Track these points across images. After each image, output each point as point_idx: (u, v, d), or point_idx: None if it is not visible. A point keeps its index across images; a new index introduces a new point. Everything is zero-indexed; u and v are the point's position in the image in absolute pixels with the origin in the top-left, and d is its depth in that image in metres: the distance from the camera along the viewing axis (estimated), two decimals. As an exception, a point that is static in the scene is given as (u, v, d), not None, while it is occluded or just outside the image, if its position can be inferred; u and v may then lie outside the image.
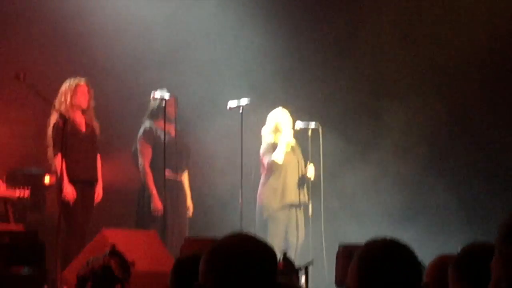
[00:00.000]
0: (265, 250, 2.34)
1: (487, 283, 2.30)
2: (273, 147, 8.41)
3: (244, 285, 2.29)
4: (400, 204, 9.44)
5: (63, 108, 7.87)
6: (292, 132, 8.49)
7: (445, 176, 9.43)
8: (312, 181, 8.46)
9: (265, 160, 8.41)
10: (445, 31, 9.63)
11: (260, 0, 9.80)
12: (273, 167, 8.35)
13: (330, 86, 9.79)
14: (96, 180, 8.09)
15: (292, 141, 8.49)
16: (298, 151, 8.55)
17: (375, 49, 9.86)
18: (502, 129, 9.38)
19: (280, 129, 8.45)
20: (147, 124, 8.43)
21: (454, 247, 3.51)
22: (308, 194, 8.44)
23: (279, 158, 8.34)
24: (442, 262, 3.08)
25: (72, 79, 8.05)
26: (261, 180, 8.47)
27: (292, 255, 7.43)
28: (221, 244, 2.35)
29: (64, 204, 7.71)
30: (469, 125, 9.60)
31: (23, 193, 7.97)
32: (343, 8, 10.00)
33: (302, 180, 8.44)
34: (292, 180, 8.40)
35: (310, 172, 8.42)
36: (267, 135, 8.49)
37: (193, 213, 8.56)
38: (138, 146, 8.39)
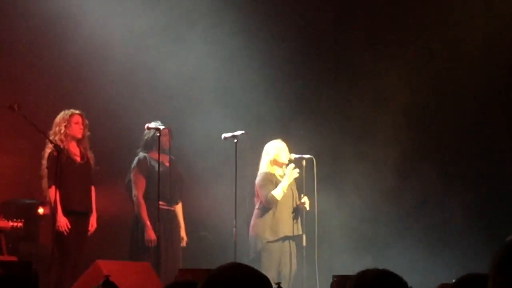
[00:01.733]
0: (260, 281, 2.34)
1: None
2: (270, 178, 8.33)
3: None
4: (396, 233, 9.42)
5: (57, 138, 7.89)
6: (291, 165, 8.39)
7: (444, 204, 9.40)
8: (306, 211, 8.41)
9: (262, 192, 8.29)
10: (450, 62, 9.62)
11: (254, 36, 9.85)
12: (271, 203, 8.27)
13: (324, 120, 9.84)
14: (90, 211, 8.07)
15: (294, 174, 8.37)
16: (293, 182, 8.48)
17: (375, 92, 9.91)
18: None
19: (279, 161, 8.38)
20: (141, 154, 8.44)
21: (452, 276, 3.52)
22: (302, 225, 8.39)
23: (279, 195, 8.27)
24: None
25: (67, 110, 8.08)
26: (255, 211, 8.38)
27: (285, 286, 7.37)
28: (216, 275, 2.35)
29: (57, 235, 7.70)
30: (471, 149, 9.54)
31: (17, 223, 7.94)
32: (338, 47, 10.07)
33: (297, 211, 8.38)
34: (287, 212, 8.30)
35: (305, 203, 8.33)
36: (264, 165, 8.41)
37: (187, 243, 8.54)
38: (132, 177, 8.39)
